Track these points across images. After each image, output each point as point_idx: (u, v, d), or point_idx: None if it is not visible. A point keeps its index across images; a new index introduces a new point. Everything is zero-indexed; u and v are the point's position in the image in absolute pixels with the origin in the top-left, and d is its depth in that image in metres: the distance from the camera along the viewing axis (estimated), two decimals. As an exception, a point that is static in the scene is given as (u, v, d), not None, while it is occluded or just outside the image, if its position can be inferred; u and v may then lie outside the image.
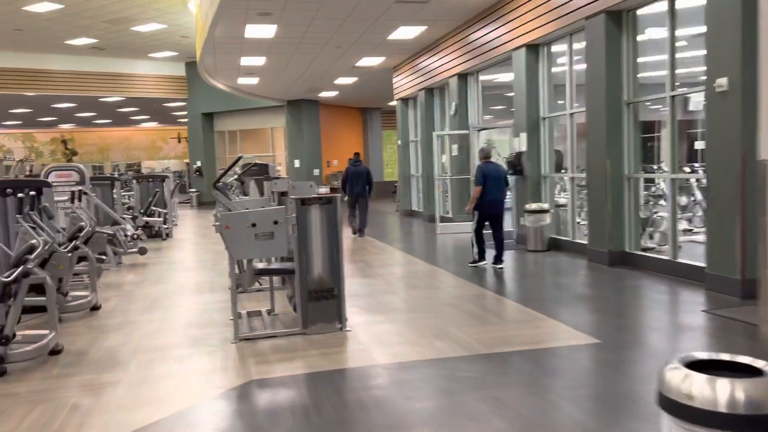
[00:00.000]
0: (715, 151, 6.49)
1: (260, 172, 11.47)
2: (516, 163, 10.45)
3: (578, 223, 10.17)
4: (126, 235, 9.53)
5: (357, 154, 13.79)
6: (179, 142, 34.43)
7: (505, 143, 25.63)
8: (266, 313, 6.14)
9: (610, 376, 4.23)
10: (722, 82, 6.22)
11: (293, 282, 5.48)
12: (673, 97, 7.41)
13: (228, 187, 9.03)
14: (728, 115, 6.22)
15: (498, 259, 8.42)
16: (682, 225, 9.65)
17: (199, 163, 26.07)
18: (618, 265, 8.22)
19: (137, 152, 38.39)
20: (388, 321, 5.86)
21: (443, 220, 13.82)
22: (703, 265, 6.94)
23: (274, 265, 5.76)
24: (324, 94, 22.48)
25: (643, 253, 8.13)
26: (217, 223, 5.19)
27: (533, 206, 9.94)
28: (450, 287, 7.42)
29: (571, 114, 9.54)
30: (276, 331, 5.47)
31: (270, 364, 4.70)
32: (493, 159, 8.77)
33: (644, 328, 5.48)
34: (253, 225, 5.14)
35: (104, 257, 8.62)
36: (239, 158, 5.48)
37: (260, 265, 5.56)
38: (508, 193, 9.77)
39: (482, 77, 13.14)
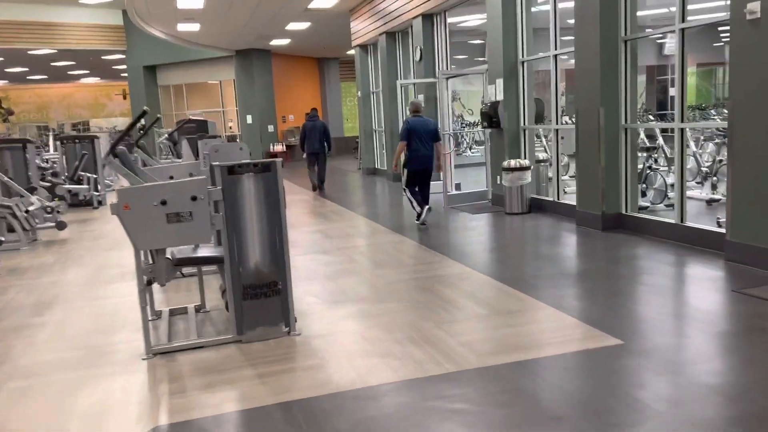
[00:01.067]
0: (743, 90, 5.33)
1: (197, 129, 10.02)
2: (491, 115, 9.20)
3: (565, 180, 9.03)
4: (37, 208, 8.01)
5: (314, 110, 13.36)
6: (125, 98, 32.00)
7: (473, 95, 24.39)
8: (194, 310, 4.86)
9: (655, 391, 3.11)
10: (754, 7, 5.03)
11: (224, 273, 4.20)
12: (683, 30, 6.21)
13: (153, 149, 7.57)
14: (762, 47, 5.05)
15: (425, 205, 8.11)
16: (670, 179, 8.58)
17: (143, 121, 24.14)
18: (613, 230, 7.15)
19: (80, 110, 35.84)
20: (351, 317, 4.64)
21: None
22: (717, 230, 5.88)
23: (200, 251, 4.46)
24: (276, 43, 20.71)
25: (643, 215, 7.05)
26: (114, 202, 3.84)
27: (512, 163, 8.75)
28: (422, 264, 6.23)
29: (555, 56, 8.28)
30: (202, 339, 4.20)
31: (188, 395, 3.45)
32: (422, 113, 8.29)
33: (671, 318, 4.38)
34: (163, 203, 3.81)
35: (1, 238, 7.15)
36: (144, 112, 4.07)
37: (178, 252, 4.24)
38: (479, 148, 8.54)
39: (450, 19, 11.73)
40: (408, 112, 8.40)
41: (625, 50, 7.02)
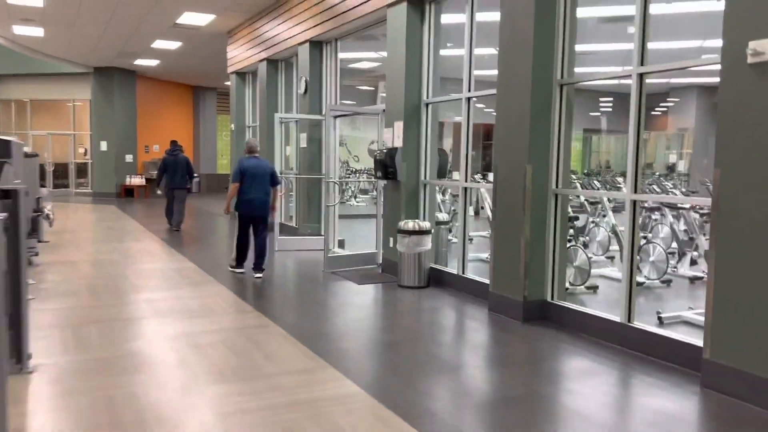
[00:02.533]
0: (739, 157, 3.96)
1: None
2: (387, 164, 7.53)
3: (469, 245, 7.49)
4: None
5: (174, 143, 12.33)
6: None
7: (359, 141, 22.88)
8: None
9: None
10: (761, 46, 3.70)
11: None
12: (641, 75, 4.87)
13: None
14: None
15: (258, 267, 7.49)
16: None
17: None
18: (537, 321, 5.61)
19: None
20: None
21: (284, 230, 10.62)
22: (690, 341, 4.44)
23: None
24: (142, 63, 18.20)
25: (574, 307, 5.55)
26: None
27: (409, 225, 7.07)
28: (288, 375, 4.28)
29: (469, 99, 6.80)
30: None
31: None
32: (258, 154, 7.61)
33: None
34: None
35: None
36: None
37: None
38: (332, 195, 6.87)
39: (342, 54, 10.10)
40: (245, 152, 7.66)
41: (560, 96, 5.62)
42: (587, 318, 5.27)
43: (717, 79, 4.02)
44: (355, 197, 19.64)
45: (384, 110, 8.16)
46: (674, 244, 8.34)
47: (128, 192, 20.02)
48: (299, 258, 9.09)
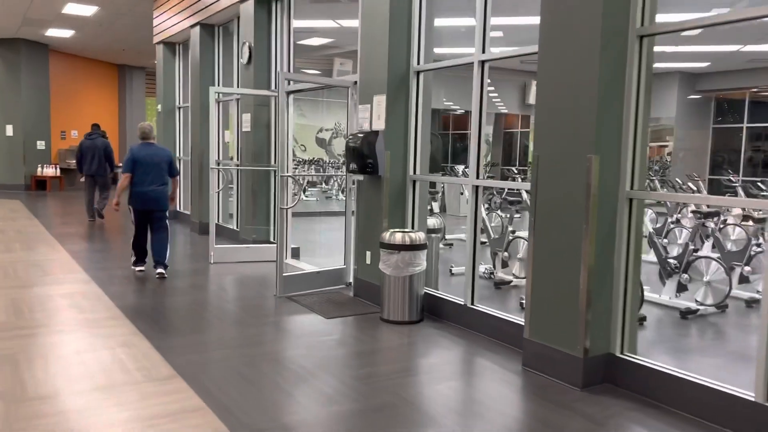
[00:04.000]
0: None
1: None
2: (364, 153, 5.55)
3: (487, 273, 5.64)
4: None
5: (96, 126, 11.54)
6: None
7: (304, 129, 20.72)
8: None
9: None
10: None
11: None
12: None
13: None
14: None
15: (160, 262, 6.75)
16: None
17: None
18: (601, 386, 3.79)
19: None
20: None
21: (222, 234, 8.54)
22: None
23: None
24: (54, 33, 15.54)
25: (651, 364, 3.74)
26: None
27: (397, 237, 5.12)
28: None
29: (483, 63, 4.90)
30: None
31: None
32: (154, 140, 6.91)
33: None
34: None
35: None
36: None
37: None
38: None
39: (297, 23, 8.04)
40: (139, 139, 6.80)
41: (640, 53, 3.80)
42: (687, 386, 3.48)
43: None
44: (305, 191, 17.56)
45: (357, 82, 6.18)
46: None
47: (40, 184, 17.27)
48: (242, 274, 7.02)
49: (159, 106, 11.98)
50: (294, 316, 5.32)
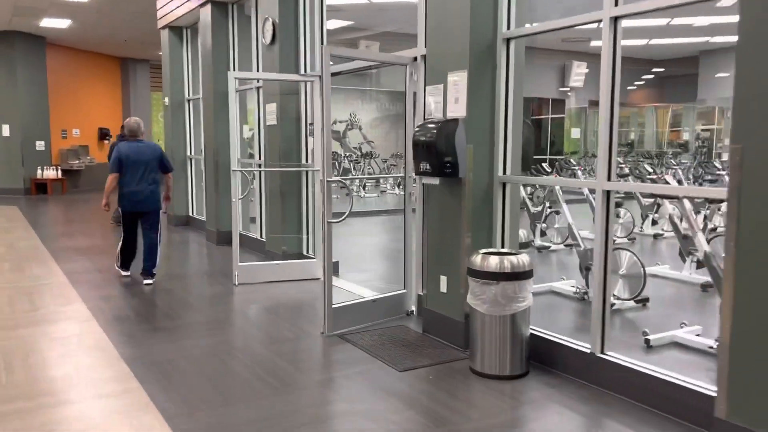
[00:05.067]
0: None
1: None
2: (441, 150, 4.18)
3: (580, 293, 4.34)
4: None
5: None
6: None
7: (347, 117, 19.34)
8: None
9: None
10: None
11: None
12: None
13: None
14: None
15: (148, 271, 6.25)
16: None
17: None
18: None
19: None
20: None
21: (246, 245, 7.28)
22: None
23: None
24: (50, 24, 14.24)
25: None
26: None
27: (491, 261, 3.76)
28: None
29: (616, 19, 3.54)
30: None
31: None
32: (143, 136, 6.32)
33: None
34: None
35: None
36: None
37: None
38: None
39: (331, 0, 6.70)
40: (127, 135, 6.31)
41: None
42: None
43: None
44: (364, 188, 16.29)
45: (418, 58, 4.84)
46: None
47: (41, 187, 16.03)
48: (274, 300, 5.72)
49: (166, 99, 10.67)
50: (353, 367, 4.00)
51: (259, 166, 8.04)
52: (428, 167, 4.22)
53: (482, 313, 3.80)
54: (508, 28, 4.21)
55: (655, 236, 9.44)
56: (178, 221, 10.62)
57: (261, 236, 8.13)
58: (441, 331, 4.51)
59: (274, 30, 6.73)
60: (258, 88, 7.86)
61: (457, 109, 4.24)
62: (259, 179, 7.99)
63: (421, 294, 5.00)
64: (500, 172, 4.31)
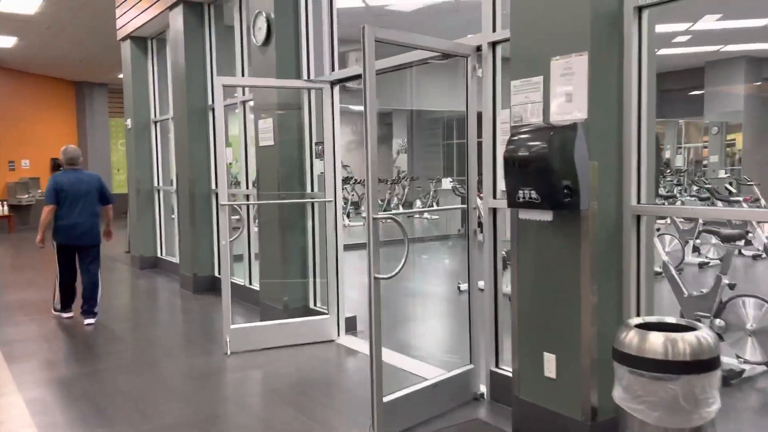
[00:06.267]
0: None
1: None
2: (552, 167, 2.80)
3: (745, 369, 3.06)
4: None
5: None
6: None
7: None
8: None
9: None
10: None
11: None
12: None
13: None
14: None
15: (89, 311, 5.85)
16: None
17: None
18: None
19: None
20: None
21: (238, 295, 5.82)
22: None
23: None
24: (-10, 41, 12.58)
25: None
26: None
27: (655, 341, 2.39)
28: None
29: None
30: None
31: None
32: (80, 166, 5.92)
33: None
34: None
35: None
36: None
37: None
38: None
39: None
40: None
41: None
42: None
43: None
44: (348, 215, 14.98)
45: (493, 43, 3.51)
46: None
47: (-16, 225, 14.18)
48: (283, 378, 4.22)
49: (128, 122, 9.12)
50: None
51: (247, 197, 6.58)
52: (534, 196, 2.84)
53: (650, 425, 2.41)
54: (641, -6, 2.91)
55: (701, 265, 8.27)
56: (145, 263, 9.01)
57: (249, 282, 6.64)
58: (523, 420, 3.11)
59: (268, 27, 5.32)
60: (244, 103, 6.44)
61: (570, 110, 2.89)
62: (247, 211, 6.52)
63: (495, 370, 3.61)
64: (633, 200, 2.96)
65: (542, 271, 3.08)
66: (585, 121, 2.84)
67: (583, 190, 2.81)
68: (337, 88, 5.06)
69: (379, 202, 17.83)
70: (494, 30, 3.58)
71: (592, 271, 2.86)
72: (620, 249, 2.97)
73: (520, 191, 2.91)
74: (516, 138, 2.95)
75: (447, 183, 13.19)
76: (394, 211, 15.11)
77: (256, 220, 6.39)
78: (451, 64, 5.36)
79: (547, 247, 3.03)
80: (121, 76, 9.60)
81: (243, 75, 6.52)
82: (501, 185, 3.59)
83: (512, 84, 3.19)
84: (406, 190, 18.25)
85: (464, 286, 7.09)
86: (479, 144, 3.67)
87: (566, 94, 2.91)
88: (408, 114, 22.13)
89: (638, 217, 2.98)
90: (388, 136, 23.12)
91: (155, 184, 9.02)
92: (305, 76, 5.36)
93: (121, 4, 8.84)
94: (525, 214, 2.99)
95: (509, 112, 3.22)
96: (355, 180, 17.15)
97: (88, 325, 5.76)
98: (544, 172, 2.78)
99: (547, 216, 2.89)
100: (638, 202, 2.97)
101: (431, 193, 16.72)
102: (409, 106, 18.52)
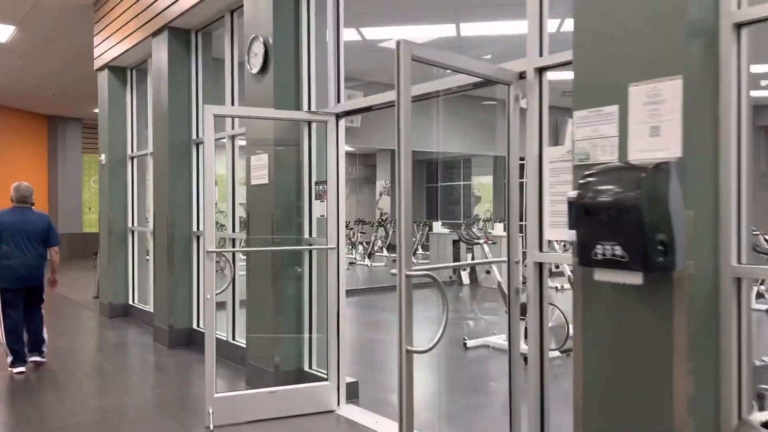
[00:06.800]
0: None
1: None
2: (643, 219, 2.22)
3: None
4: None
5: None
6: None
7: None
8: None
9: None
10: None
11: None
12: None
13: None
14: None
15: (38, 350, 5.71)
16: None
17: None
18: None
19: None
20: None
21: (223, 351, 5.11)
22: None
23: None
24: (-44, 69, 11.87)
25: None
26: None
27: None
28: None
29: None
30: None
31: None
32: (30, 206, 5.70)
33: None
34: None
35: None
36: None
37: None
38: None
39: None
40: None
41: None
42: None
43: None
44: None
45: (540, 69, 2.99)
46: None
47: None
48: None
49: (102, 157, 8.44)
50: None
51: (233, 242, 5.92)
52: (619, 253, 2.25)
53: None
54: (739, 7, 2.40)
55: None
56: (114, 311, 8.21)
57: (233, 337, 5.92)
58: None
59: (266, 53, 4.76)
60: (233, 137, 5.84)
61: (657, 146, 2.34)
62: (233, 258, 5.85)
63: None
64: (734, 259, 2.39)
65: (620, 344, 2.47)
66: (678, 161, 2.28)
67: (678, 247, 2.23)
68: (343, 122, 4.49)
69: (364, 245, 17.22)
70: (540, 54, 3.06)
71: (689, 348, 2.27)
72: (717, 321, 2.39)
73: (599, 246, 2.31)
74: (590, 180, 2.38)
75: (439, 226, 12.63)
76: (425, 265, 14.48)
77: (244, 263, 5.73)
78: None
79: (630, 316, 2.43)
80: (96, 110, 8.96)
81: (233, 105, 5.94)
82: (547, 235, 3.04)
83: (575, 115, 2.64)
84: (390, 233, 17.69)
85: (471, 342, 6.48)
86: (503, 183, 3.11)
87: (653, 127, 2.36)
88: (391, 154, 21.72)
89: (738, 280, 2.40)
90: (371, 178, 22.67)
91: (129, 224, 8.30)
92: (305, 108, 4.79)
93: (100, 32, 8.26)
94: (604, 275, 2.39)
95: (570, 148, 2.66)
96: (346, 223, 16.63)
97: (35, 362, 5.67)
98: (634, 224, 2.20)
99: (635, 279, 2.29)
100: (738, 261, 2.40)
101: (417, 236, 16.17)
102: (393, 146, 18.12)
